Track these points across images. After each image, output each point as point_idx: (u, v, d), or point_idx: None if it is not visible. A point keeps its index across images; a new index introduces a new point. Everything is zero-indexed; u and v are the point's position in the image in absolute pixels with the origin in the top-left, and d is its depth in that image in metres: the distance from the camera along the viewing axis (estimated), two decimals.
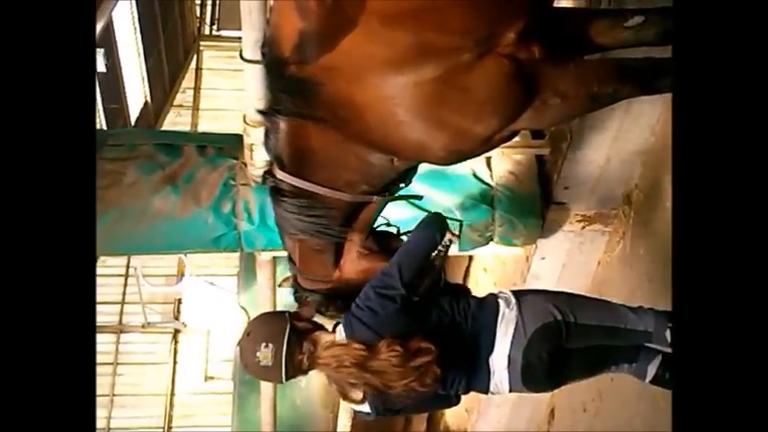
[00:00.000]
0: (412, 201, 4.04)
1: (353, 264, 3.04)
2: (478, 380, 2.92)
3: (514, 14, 2.44)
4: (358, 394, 2.80)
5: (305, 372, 2.87)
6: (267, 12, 2.75)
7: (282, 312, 2.94)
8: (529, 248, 4.87)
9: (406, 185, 3.04)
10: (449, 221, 3.06)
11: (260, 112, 2.81)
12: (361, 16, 2.36)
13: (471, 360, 2.88)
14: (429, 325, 2.81)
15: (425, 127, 2.55)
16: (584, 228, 4.77)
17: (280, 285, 3.18)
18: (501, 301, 2.92)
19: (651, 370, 3.04)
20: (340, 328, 2.83)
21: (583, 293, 3.59)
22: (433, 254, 2.93)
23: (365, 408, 2.89)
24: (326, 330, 2.90)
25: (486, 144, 2.69)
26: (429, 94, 2.47)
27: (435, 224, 2.94)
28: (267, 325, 2.88)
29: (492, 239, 4.62)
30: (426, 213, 3.17)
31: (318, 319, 3.15)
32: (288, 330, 2.79)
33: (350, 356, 2.68)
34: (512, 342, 2.84)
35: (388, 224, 3.26)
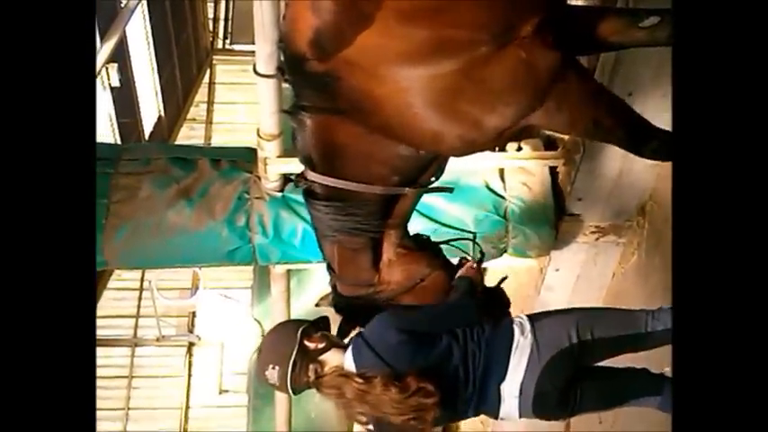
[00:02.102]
0: (426, 214, 4.05)
1: (393, 264, 3.07)
2: (488, 405, 2.87)
3: (530, 9, 2.46)
4: (363, 418, 2.78)
5: (313, 388, 2.86)
6: (282, 16, 2.77)
7: (296, 328, 2.86)
8: (543, 260, 4.86)
9: (437, 178, 3.03)
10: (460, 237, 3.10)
11: (285, 111, 2.83)
12: (377, 13, 2.38)
13: (482, 386, 2.82)
14: (438, 350, 2.77)
15: (441, 117, 2.57)
16: (598, 239, 4.75)
17: (317, 305, 3.17)
18: (516, 328, 2.85)
19: None
20: (348, 354, 2.79)
21: (598, 305, 3.55)
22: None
23: (372, 427, 2.86)
24: (340, 348, 2.84)
25: (499, 137, 2.70)
26: (445, 86, 2.49)
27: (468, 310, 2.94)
28: (276, 345, 2.86)
29: (506, 251, 4.62)
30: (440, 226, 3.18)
31: None
32: (294, 356, 2.77)
33: (349, 389, 2.67)
34: (525, 372, 2.79)
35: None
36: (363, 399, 2.66)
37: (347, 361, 2.77)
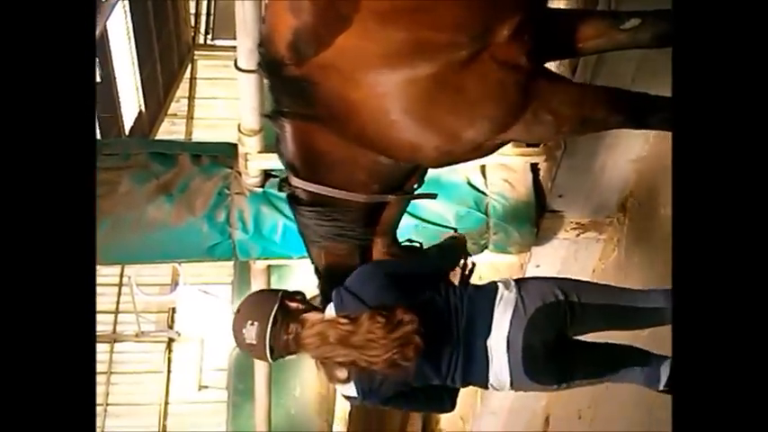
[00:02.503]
0: (407, 209, 4.04)
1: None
2: (476, 368, 2.79)
3: (508, 11, 2.45)
4: (343, 372, 2.69)
5: (292, 353, 2.80)
6: (263, 8, 2.75)
7: (276, 291, 2.88)
8: (523, 256, 4.87)
9: (420, 185, 3.04)
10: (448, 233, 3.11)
11: (265, 115, 2.82)
12: (355, 14, 2.37)
13: (468, 344, 2.76)
14: (420, 300, 2.74)
15: (418, 126, 2.56)
16: (578, 235, 4.77)
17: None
18: (500, 285, 2.83)
19: (664, 374, 2.82)
20: (330, 305, 2.78)
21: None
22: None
23: (351, 389, 2.81)
24: (319, 310, 2.83)
25: (477, 150, 2.70)
26: (422, 92, 2.48)
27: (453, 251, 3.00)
28: (256, 303, 2.83)
29: (486, 247, 4.63)
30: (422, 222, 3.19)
31: None
32: (275, 310, 2.73)
33: (333, 333, 2.61)
34: (510, 322, 2.73)
35: (410, 241, 3.25)
36: (348, 341, 2.59)
37: (328, 311, 2.76)
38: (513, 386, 2.81)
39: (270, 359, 2.78)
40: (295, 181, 2.85)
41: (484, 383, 2.84)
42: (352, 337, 2.59)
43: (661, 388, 2.86)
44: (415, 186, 3.02)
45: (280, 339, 2.73)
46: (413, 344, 2.60)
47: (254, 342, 2.73)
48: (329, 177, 2.81)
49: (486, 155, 2.82)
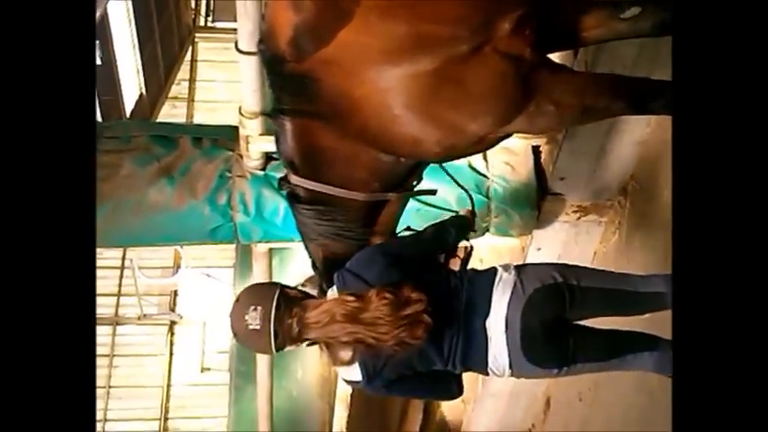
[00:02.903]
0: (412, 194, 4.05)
1: None
2: (475, 350, 2.78)
3: (510, 4, 2.45)
4: (348, 353, 2.68)
5: (295, 340, 2.73)
6: (263, 4, 2.74)
7: (274, 282, 2.90)
8: (525, 239, 4.87)
9: (419, 182, 3.04)
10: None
11: (265, 114, 2.81)
12: (356, 8, 2.36)
13: (467, 325, 2.76)
14: (423, 280, 2.73)
15: (420, 121, 2.56)
16: (579, 218, 4.77)
17: (303, 286, 3.13)
18: (499, 268, 2.84)
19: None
20: (332, 288, 2.78)
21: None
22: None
23: (355, 373, 2.79)
24: (317, 298, 2.82)
25: (480, 143, 2.70)
26: (425, 87, 2.48)
27: (455, 229, 3.02)
28: (256, 290, 2.83)
29: (488, 230, 4.62)
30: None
31: None
32: (277, 294, 2.71)
33: (340, 309, 2.60)
34: (509, 302, 2.73)
35: (409, 229, 3.24)
36: (356, 318, 2.58)
37: (330, 294, 2.77)
38: (512, 369, 2.80)
39: (273, 345, 2.70)
40: (294, 179, 2.84)
41: (483, 367, 2.83)
42: (360, 314, 2.58)
43: (671, 374, 2.81)
44: (414, 183, 3.02)
45: (284, 323, 2.68)
46: (422, 323, 2.61)
47: (258, 326, 2.66)
48: (329, 175, 2.80)
49: (489, 148, 2.83)
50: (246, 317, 2.68)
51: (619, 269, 3.71)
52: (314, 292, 2.99)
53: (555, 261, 4.87)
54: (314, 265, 3.12)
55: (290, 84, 2.60)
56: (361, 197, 2.85)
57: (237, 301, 2.79)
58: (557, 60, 2.84)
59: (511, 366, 2.78)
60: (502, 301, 2.75)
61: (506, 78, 2.51)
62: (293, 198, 2.91)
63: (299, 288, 2.90)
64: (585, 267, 3.05)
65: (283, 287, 2.79)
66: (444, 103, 2.53)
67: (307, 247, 3.10)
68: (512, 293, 2.75)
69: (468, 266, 3.03)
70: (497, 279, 2.80)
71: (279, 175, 3.11)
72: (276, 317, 2.67)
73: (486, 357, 2.79)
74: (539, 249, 4.91)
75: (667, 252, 4.02)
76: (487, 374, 2.87)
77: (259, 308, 2.67)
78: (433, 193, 3.24)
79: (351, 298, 2.62)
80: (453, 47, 2.44)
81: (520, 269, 2.84)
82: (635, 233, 4.45)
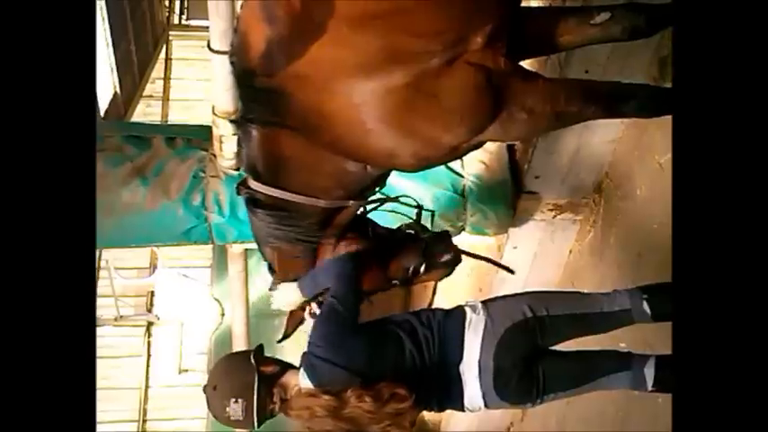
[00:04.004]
0: (384, 192, 4.03)
1: (329, 257, 3.01)
2: (452, 394, 2.81)
3: (484, 18, 2.45)
4: None
5: (277, 414, 2.77)
6: (235, 5, 2.72)
7: (247, 357, 2.78)
8: (501, 238, 4.89)
9: (380, 189, 3.04)
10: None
11: (232, 121, 2.79)
12: (329, 21, 2.35)
13: (441, 372, 2.77)
14: (390, 338, 2.74)
15: (394, 135, 2.56)
16: (555, 216, 4.79)
17: (270, 290, 3.12)
18: (468, 309, 2.85)
19: (649, 374, 2.82)
20: (302, 373, 2.71)
21: (552, 289, 3.55)
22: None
23: None
24: (294, 369, 2.78)
25: (454, 153, 2.72)
26: (398, 101, 2.48)
27: (341, 265, 2.85)
28: (234, 377, 2.73)
29: (464, 229, 4.63)
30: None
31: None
32: (257, 382, 2.67)
33: (320, 406, 2.57)
34: (481, 345, 2.75)
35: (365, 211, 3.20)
36: (338, 414, 2.57)
37: (303, 380, 2.70)
38: (487, 406, 2.84)
39: (256, 428, 2.75)
40: (254, 184, 2.83)
41: (460, 407, 2.86)
42: (340, 411, 2.57)
43: (649, 389, 2.85)
44: (376, 190, 3.02)
45: (266, 409, 2.71)
46: (409, 415, 2.61)
47: (241, 418, 2.68)
48: (292, 182, 2.79)
49: (463, 155, 2.83)
50: (228, 409, 2.67)
51: (593, 267, 3.74)
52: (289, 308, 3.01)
53: (531, 260, 4.90)
54: (270, 268, 3.11)
55: (261, 96, 2.59)
56: (322, 204, 2.85)
57: (214, 389, 2.74)
58: (529, 61, 2.86)
59: (486, 405, 2.83)
60: (474, 346, 2.77)
61: (479, 89, 2.51)
62: (251, 203, 2.89)
63: (273, 359, 2.85)
64: (552, 293, 3.14)
65: (259, 364, 2.73)
66: (418, 116, 2.53)
67: (261, 251, 3.09)
68: (483, 336, 2.77)
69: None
70: (467, 322, 2.81)
71: None
72: (259, 406, 2.67)
73: (462, 399, 2.82)
74: (515, 248, 4.93)
75: (641, 249, 4.04)
76: (464, 411, 2.88)
77: (240, 400, 2.66)
78: (394, 200, 3.22)
79: (327, 397, 2.57)
80: (426, 61, 2.44)
81: (488, 306, 2.85)
82: (610, 231, 4.48)
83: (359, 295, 2.81)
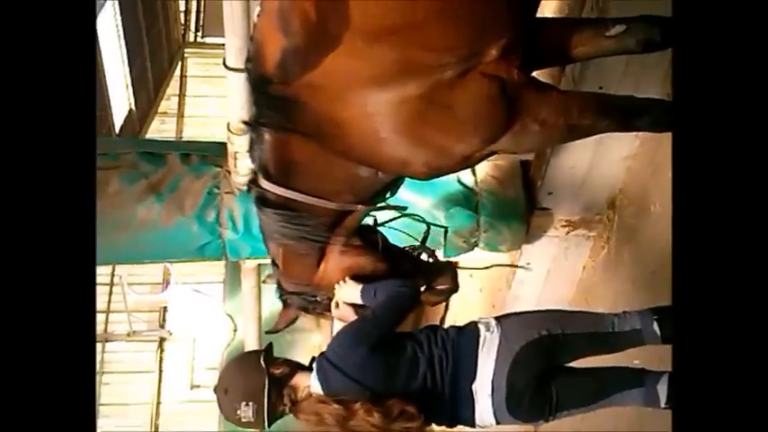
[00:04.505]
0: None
1: (335, 263, 3.03)
2: (463, 411, 2.81)
3: (498, 31, 2.46)
4: None
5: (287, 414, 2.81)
6: (251, 22, 2.74)
7: (257, 358, 2.81)
8: (514, 254, 4.88)
9: (392, 195, 3.05)
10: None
11: (245, 123, 2.81)
12: (344, 34, 2.37)
13: (454, 390, 2.77)
14: (405, 359, 2.74)
15: (407, 144, 2.58)
16: (568, 233, 4.78)
17: (264, 282, 3.15)
18: (481, 326, 2.84)
19: (662, 390, 2.79)
20: (314, 376, 2.73)
21: (565, 307, 3.54)
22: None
23: None
24: (305, 369, 2.80)
25: (466, 162, 2.73)
26: (412, 111, 2.49)
27: (401, 300, 2.86)
28: (244, 380, 2.76)
29: (477, 245, 4.62)
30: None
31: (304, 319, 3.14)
32: (267, 385, 2.70)
33: (329, 414, 2.61)
34: (495, 365, 2.75)
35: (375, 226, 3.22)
36: (345, 424, 2.59)
37: (314, 384, 2.72)
38: (498, 423, 2.83)
39: (267, 428, 2.79)
40: (265, 184, 2.84)
41: (471, 424, 2.86)
42: (347, 421, 2.60)
43: (663, 406, 2.83)
44: (387, 196, 3.03)
45: (277, 410, 2.75)
46: (415, 429, 2.63)
47: (252, 420, 2.73)
48: (302, 184, 2.81)
49: (475, 164, 2.84)
50: (239, 412, 2.72)
51: (607, 283, 3.73)
52: (276, 288, 3.09)
53: (544, 277, 4.88)
54: (273, 263, 3.12)
55: (275, 103, 2.61)
56: (332, 206, 2.86)
57: (225, 392, 2.77)
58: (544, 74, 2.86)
59: (497, 422, 2.82)
60: (487, 365, 2.77)
61: (492, 100, 2.53)
62: (261, 201, 2.89)
63: (283, 359, 2.87)
64: (566, 312, 3.12)
65: (269, 370, 2.75)
66: (432, 127, 2.55)
67: (266, 246, 3.10)
68: (497, 356, 2.76)
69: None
70: (481, 341, 2.80)
71: None
72: (269, 408, 2.71)
73: (473, 417, 2.82)
74: (528, 264, 4.91)
75: (655, 266, 4.02)
76: (474, 427, 2.88)
77: (251, 403, 2.70)
78: (403, 209, 3.24)
79: (336, 406, 2.61)
80: (440, 73, 2.45)
81: (502, 324, 2.84)
82: (624, 247, 4.46)
83: (396, 325, 2.82)
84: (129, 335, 10.93)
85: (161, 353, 11.10)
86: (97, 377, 10.76)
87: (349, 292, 2.98)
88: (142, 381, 11.03)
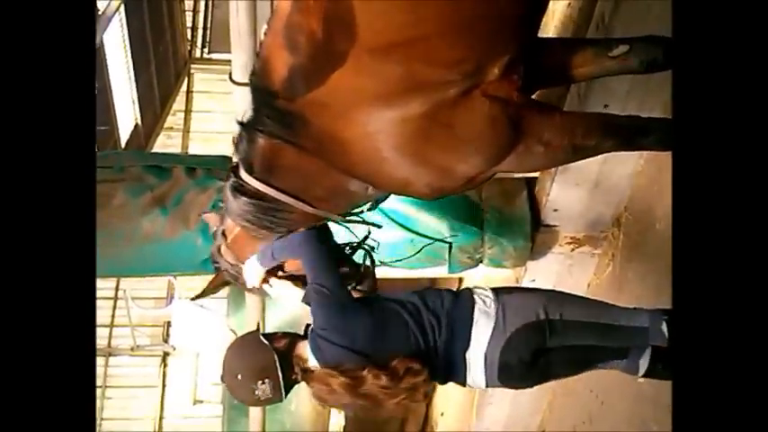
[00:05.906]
0: (402, 223, 4.03)
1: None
2: (456, 371, 2.88)
3: (500, 50, 2.47)
4: (348, 407, 2.87)
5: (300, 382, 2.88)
6: (257, 38, 2.74)
7: (257, 338, 2.86)
8: (519, 270, 4.87)
9: (372, 209, 3.03)
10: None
11: (239, 123, 2.78)
12: (351, 50, 2.37)
13: (447, 354, 2.82)
14: (391, 321, 2.79)
15: (410, 164, 2.58)
16: (573, 250, 4.78)
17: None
18: (477, 299, 2.85)
19: (643, 363, 2.91)
20: (308, 346, 2.81)
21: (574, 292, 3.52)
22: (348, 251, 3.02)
23: None
24: (303, 338, 2.87)
25: (470, 183, 2.72)
26: (414, 130, 2.49)
27: (312, 238, 2.85)
28: (253, 361, 2.81)
29: (482, 261, 4.63)
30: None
31: None
32: (277, 360, 2.77)
33: (335, 382, 2.69)
34: (490, 340, 2.78)
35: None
36: (355, 391, 2.67)
37: (310, 356, 2.80)
38: (487, 387, 2.93)
39: (283, 399, 2.84)
40: (247, 177, 2.78)
41: (462, 383, 2.94)
42: (357, 388, 2.68)
43: (640, 376, 2.96)
44: (365, 209, 3.00)
45: (290, 381, 2.82)
46: (423, 388, 2.72)
47: (270, 396, 2.79)
48: (285, 184, 2.76)
49: (478, 185, 2.84)
50: (257, 392, 2.78)
51: (612, 301, 3.70)
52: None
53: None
54: (222, 232, 3.07)
55: (277, 116, 2.60)
56: (309, 210, 2.81)
57: (237, 377, 2.81)
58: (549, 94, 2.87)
59: (486, 386, 2.91)
60: (481, 338, 2.80)
61: (495, 122, 2.53)
62: (236, 190, 2.82)
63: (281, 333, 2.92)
64: (571, 296, 3.11)
65: (272, 342, 2.82)
66: (434, 147, 2.55)
67: (221, 217, 3.05)
68: (492, 330, 2.79)
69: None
70: (476, 310, 2.82)
71: None
72: (285, 380, 2.78)
73: (465, 378, 2.89)
74: (533, 281, 4.91)
75: (660, 284, 4.01)
76: (465, 386, 2.98)
77: (267, 380, 2.76)
78: (378, 227, 3.17)
79: (343, 378, 2.68)
80: (444, 90, 2.45)
81: (501, 299, 2.85)
82: (628, 265, 4.45)
83: (334, 270, 2.82)
84: (132, 349, 10.91)
85: (164, 367, 11.08)
86: (100, 391, 10.74)
87: (249, 267, 2.99)
88: (145, 395, 11.01)
